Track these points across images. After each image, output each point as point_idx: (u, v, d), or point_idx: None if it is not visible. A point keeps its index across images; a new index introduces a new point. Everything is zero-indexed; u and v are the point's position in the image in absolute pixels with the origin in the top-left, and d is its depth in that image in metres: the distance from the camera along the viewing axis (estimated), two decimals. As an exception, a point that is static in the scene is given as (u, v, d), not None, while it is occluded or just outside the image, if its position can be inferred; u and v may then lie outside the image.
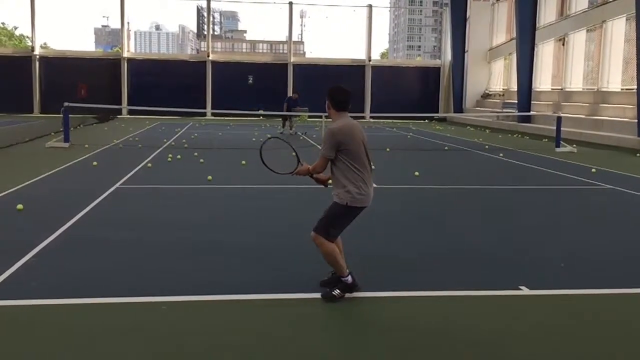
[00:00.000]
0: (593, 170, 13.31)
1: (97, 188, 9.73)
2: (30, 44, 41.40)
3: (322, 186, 5.09)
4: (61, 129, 17.92)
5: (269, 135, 5.02)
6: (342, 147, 4.61)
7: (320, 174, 4.92)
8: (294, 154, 5.10)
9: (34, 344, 3.89)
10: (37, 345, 3.88)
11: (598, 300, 4.97)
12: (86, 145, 16.70)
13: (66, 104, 17.36)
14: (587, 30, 27.51)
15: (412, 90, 40.26)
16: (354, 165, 4.64)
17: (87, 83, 36.88)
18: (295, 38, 45.25)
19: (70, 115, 17.50)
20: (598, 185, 11.29)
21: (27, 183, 10.24)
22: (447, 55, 40.40)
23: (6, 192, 9.26)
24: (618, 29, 24.99)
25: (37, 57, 37.86)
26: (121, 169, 12.19)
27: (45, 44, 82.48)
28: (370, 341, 4.05)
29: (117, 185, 10.26)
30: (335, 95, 4.78)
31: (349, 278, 4.70)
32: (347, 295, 4.74)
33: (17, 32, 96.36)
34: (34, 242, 6.26)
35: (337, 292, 4.67)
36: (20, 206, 8.00)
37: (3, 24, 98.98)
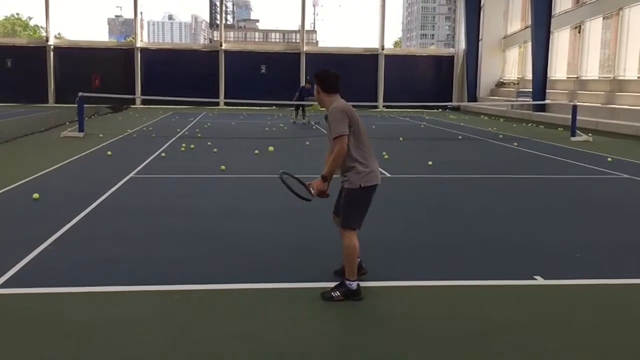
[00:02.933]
0: (609, 159, 13.17)
1: (112, 177, 9.80)
2: (44, 34, 41.73)
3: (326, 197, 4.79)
4: (76, 119, 18.03)
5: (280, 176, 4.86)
6: (350, 125, 4.51)
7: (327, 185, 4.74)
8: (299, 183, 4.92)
9: (49, 332, 3.94)
10: (53, 332, 3.93)
11: (614, 291, 4.93)
12: (100, 135, 16.80)
13: (81, 93, 17.46)
14: (604, 18, 27.12)
15: (425, 79, 40.04)
16: (360, 143, 4.56)
17: (101, 73, 37.11)
18: (307, 27, 45.11)
19: (84, 105, 17.61)
20: (614, 175, 11.18)
21: (43, 172, 10.33)
22: (461, 43, 40.06)
23: (22, 182, 9.35)
24: (635, 16, 24.61)
25: (52, 47, 38.11)
26: (135, 158, 12.26)
27: (59, 34, 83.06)
28: (381, 331, 4.05)
29: (132, 174, 10.32)
30: (326, 79, 4.67)
31: (354, 284, 4.52)
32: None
33: (31, 23, 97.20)
34: (50, 231, 6.33)
35: (337, 294, 4.49)
36: (36, 195, 8.07)
37: (18, 14, 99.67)
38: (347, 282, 4.52)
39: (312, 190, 4.63)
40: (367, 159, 4.59)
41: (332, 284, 4.69)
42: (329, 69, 4.78)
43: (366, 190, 4.58)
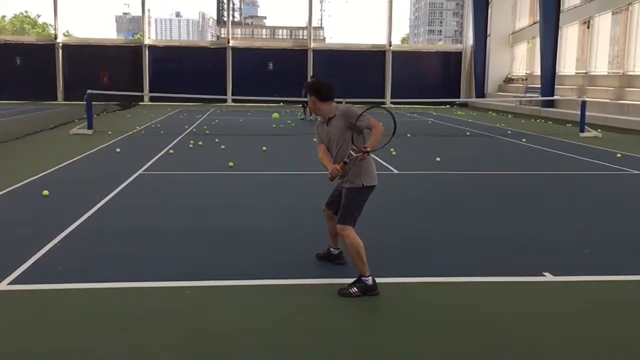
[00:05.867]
0: (618, 155, 13.10)
1: (121, 174, 9.85)
2: (53, 32, 41.87)
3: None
4: (84, 116, 18.12)
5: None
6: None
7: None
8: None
9: (59, 327, 3.97)
10: (63, 328, 3.96)
11: (623, 287, 4.91)
12: (109, 132, 16.87)
13: (89, 91, 17.53)
14: (613, 13, 26.93)
15: (433, 75, 39.88)
16: (365, 142, 4.71)
17: (109, 70, 37.18)
18: (315, 23, 45.25)
19: (93, 103, 17.68)
20: (623, 171, 11.12)
21: (53, 169, 10.40)
22: (469, 39, 39.86)
23: (32, 178, 9.42)
24: (645, 11, 24.43)
25: (60, 45, 38.23)
26: (144, 155, 12.30)
27: (67, 31, 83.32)
28: (387, 327, 4.06)
29: (140, 171, 10.36)
30: (321, 89, 4.83)
31: (370, 279, 4.58)
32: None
33: (40, 20, 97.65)
34: (60, 227, 6.37)
35: (354, 290, 4.55)
36: (46, 192, 8.13)
37: (26, 12, 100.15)
38: (363, 278, 4.59)
39: (358, 151, 4.57)
40: (369, 158, 4.73)
41: (342, 280, 4.73)
42: (321, 80, 5.10)
43: (367, 189, 4.72)
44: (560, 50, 29.42)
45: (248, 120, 24.34)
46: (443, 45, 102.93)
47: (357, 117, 4.59)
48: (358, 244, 4.59)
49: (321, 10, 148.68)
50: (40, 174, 9.82)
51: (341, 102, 5.10)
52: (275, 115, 9.00)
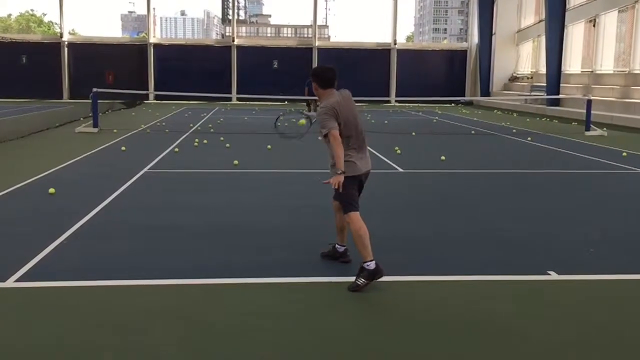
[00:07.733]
0: (624, 154, 13.06)
1: (126, 172, 9.88)
2: (58, 30, 42.00)
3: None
4: (90, 115, 18.19)
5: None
6: (337, 121, 4.69)
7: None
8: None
9: (64, 325, 3.99)
10: (68, 325, 3.98)
11: (629, 286, 4.90)
12: (115, 131, 16.92)
13: (95, 89, 17.59)
14: (619, 11, 26.81)
15: (438, 73, 39.80)
16: (344, 137, 4.70)
17: (115, 69, 37.29)
18: (320, 22, 45.18)
19: (98, 101, 17.74)
20: (629, 170, 11.08)
21: (59, 167, 10.44)
22: (474, 37, 39.81)
23: (38, 177, 9.46)
24: (651, 9, 24.30)
25: (66, 43, 38.37)
26: (149, 153, 12.34)
27: (73, 30, 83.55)
28: (389, 326, 4.06)
29: (145, 169, 10.39)
30: (322, 76, 4.87)
31: (372, 264, 4.58)
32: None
33: (45, 19, 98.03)
34: (65, 225, 6.40)
35: (361, 281, 4.55)
36: (52, 190, 8.16)
37: (32, 10, 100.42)
38: (366, 265, 4.60)
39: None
40: (350, 151, 4.75)
41: (346, 278, 4.74)
42: (324, 65, 5.06)
43: (350, 179, 4.71)
44: (566, 48, 29.31)
45: (253, 118, 24.36)
46: (448, 43, 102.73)
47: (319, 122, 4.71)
48: (361, 228, 4.64)
49: (326, 8, 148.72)
50: (46, 172, 9.86)
51: None
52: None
